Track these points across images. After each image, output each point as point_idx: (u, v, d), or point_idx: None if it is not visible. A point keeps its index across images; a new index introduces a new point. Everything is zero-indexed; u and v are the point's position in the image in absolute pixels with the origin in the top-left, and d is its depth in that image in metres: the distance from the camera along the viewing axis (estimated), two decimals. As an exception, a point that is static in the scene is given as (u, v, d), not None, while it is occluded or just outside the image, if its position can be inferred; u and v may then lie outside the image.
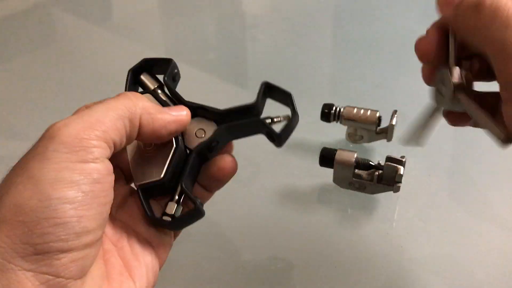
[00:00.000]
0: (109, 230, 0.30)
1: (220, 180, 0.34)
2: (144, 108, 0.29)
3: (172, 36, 0.87)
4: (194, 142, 0.33)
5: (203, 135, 0.33)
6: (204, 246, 0.46)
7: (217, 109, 0.33)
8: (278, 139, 0.32)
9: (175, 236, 0.35)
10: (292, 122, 0.32)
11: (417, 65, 0.33)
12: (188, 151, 0.33)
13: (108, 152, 0.27)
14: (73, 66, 0.75)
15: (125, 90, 0.34)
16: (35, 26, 0.87)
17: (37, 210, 0.23)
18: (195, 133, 0.34)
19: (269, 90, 0.33)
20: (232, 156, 0.34)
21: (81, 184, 0.24)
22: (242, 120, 0.33)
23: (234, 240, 0.46)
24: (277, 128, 0.33)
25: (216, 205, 0.50)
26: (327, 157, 0.48)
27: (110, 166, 0.27)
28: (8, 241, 0.23)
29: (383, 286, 0.42)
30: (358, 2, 0.91)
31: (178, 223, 0.32)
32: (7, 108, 0.66)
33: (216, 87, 0.68)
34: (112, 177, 0.27)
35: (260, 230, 0.47)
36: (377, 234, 0.46)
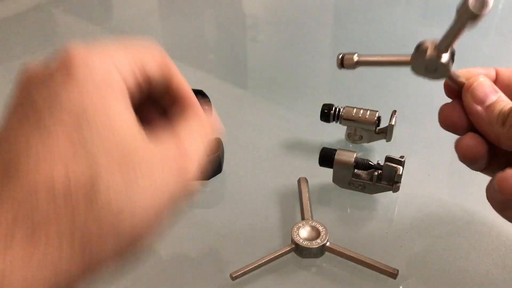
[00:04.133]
0: None
1: None
2: None
3: (172, 37, 0.87)
4: None
5: None
6: (198, 245, 0.46)
7: None
8: None
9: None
10: None
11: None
12: None
13: None
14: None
15: None
16: (35, 26, 0.87)
17: None
18: None
19: None
20: None
21: None
22: None
23: (233, 240, 0.46)
24: None
25: (215, 204, 0.50)
26: (326, 157, 0.48)
27: None
28: None
29: (382, 285, 0.42)
30: (358, 2, 0.91)
31: None
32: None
33: (216, 88, 0.68)
34: None
35: (260, 230, 0.47)
36: (377, 234, 0.46)
